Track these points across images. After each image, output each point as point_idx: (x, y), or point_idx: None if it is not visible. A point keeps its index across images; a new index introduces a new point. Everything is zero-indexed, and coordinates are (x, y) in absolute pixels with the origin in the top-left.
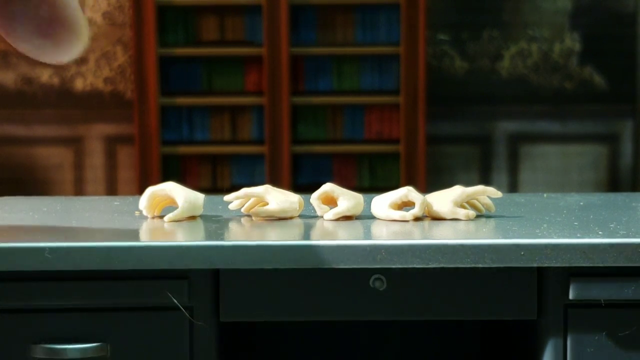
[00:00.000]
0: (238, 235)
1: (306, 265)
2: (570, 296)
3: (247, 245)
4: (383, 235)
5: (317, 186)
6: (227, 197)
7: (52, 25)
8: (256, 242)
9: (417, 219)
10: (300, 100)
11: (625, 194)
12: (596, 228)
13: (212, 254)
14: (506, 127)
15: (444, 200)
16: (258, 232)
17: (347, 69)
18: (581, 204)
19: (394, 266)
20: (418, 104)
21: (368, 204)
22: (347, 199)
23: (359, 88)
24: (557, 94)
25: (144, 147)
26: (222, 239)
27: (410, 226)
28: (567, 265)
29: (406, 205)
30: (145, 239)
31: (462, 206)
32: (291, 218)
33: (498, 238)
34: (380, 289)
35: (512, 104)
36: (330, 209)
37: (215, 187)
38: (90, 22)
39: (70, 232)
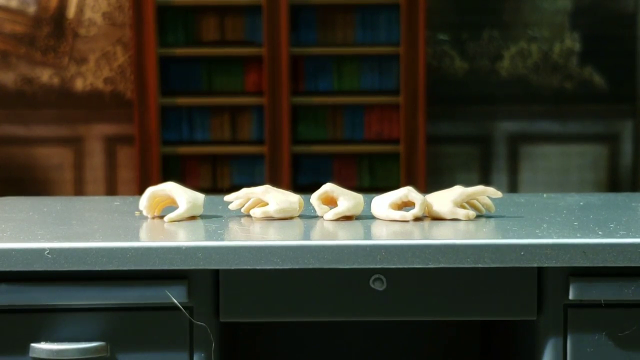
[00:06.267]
0: (238, 235)
1: (306, 265)
2: (570, 296)
3: (247, 245)
4: (383, 235)
5: (317, 186)
6: (227, 197)
7: None
8: (256, 242)
9: (417, 219)
10: (300, 100)
11: (625, 194)
12: (596, 228)
13: (212, 254)
14: (506, 127)
15: (444, 200)
16: (258, 232)
17: (347, 69)
18: (581, 204)
19: (394, 266)
20: (418, 104)
21: (368, 204)
22: (347, 199)
23: (359, 88)
24: (557, 94)
25: (144, 147)
26: (222, 239)
27: (410, 226)
28: (567, 265)
29: (406, 205)
30: (146, 239)
31: (462, 206)
32: (291, 218)
33: (498, 238)
34: (380, 289)
35: (512, 104)
36: (330, 209)
37: (215, 187)
38: (90, 22)
39: (70, 232)
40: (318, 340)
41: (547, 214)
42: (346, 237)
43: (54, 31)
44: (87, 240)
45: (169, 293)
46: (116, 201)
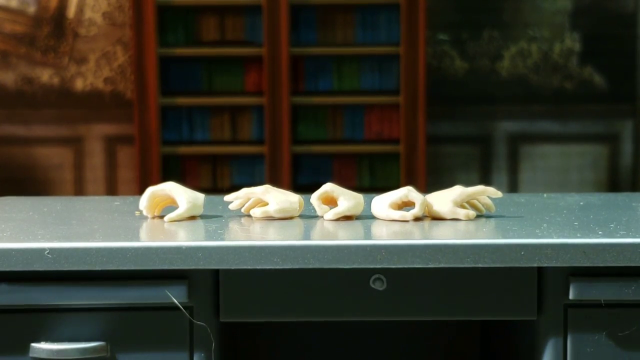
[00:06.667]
0: (238, 235)
1: (306, 265)
2: (570, 296)
3: (247, 245)
4: (383, 235)
5: (317, 186)
6: (227, 197)
7: None
8: (256, 242)
9: (417, 219)
10: (300, 100)
11: (625, 194)
12: (596, 228)
13: (212, 254)
14: (506, 127)
15: (444, 200)
16: (258, 232)
17: (347, 69)
18: (581, 204)
19: (394, 266)
20: (418, 104)
21: (368, 204)
22: (347, 199)
23: (359, 88)
24: (557, 94)
25: (144, 147)
26: (222, 239)
27: (410, 226)
28: (567, 265)
29: (406, 205)
30: (146, 239)
31: (462, 206)
32: (291, 218)
33: (498, 238)
34: (380, 289)
35: (512, 104)
36: (330, 209)
37: (215, 187)
38: (90, 22)
39: (70, 232)
40: (318, 340)
41: (547, 214)
42: (346, 237)
43: (54, 31)
44: (87, 240)
45: (169, 293)
46: (116, 201)
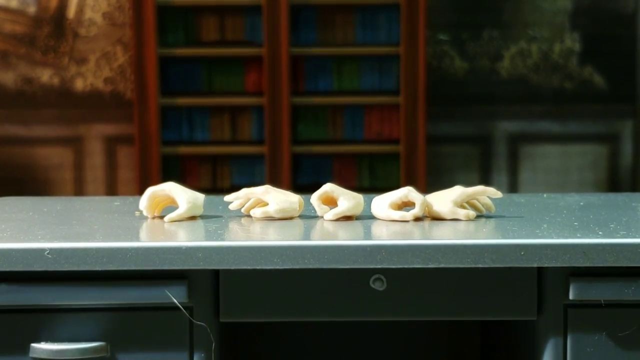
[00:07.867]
0: (238, 235)
1: (306, 265)
2: (570, 296)
3: (247, 245)
4: (383, 235)
5: (317, 186)
6: (227, 197)
7: None
8: (256, 242)
9: (417, 219)
10: (300, 100)
11: (625, 194)
12: (596, 228)
13: (212, 254)
14: (506, 127)
15: (444, 200)
16: (258, 232)
17: (347, 69)
18: (581, 204)
19: (394, 266)
20: (418, 104)
21: (368, 204)
22: (347, 199)
23: (359, 88)
24: (557, 94)
25: (144, 147)
26: (222, 239)
27: (410, 226)
28: (567, 265)
29: (406, 205)
30: (146, 239)
31: (462, 206)
32: (291, 218)
33: (498, 238)
34: (380, 289)
35: (512, 104)
36: (330, 209)
37: (215, 187)
38: (90, 22)
39: (70, 232)
40: (318, 340)
41: (547, 214)
42: (346, 237)
43: (54, 31)
44: (87, 240)
45: (169, 293)
46: (116, 201)
